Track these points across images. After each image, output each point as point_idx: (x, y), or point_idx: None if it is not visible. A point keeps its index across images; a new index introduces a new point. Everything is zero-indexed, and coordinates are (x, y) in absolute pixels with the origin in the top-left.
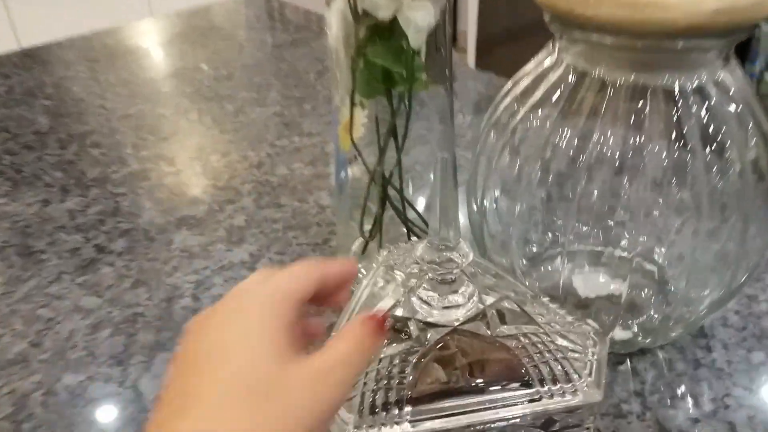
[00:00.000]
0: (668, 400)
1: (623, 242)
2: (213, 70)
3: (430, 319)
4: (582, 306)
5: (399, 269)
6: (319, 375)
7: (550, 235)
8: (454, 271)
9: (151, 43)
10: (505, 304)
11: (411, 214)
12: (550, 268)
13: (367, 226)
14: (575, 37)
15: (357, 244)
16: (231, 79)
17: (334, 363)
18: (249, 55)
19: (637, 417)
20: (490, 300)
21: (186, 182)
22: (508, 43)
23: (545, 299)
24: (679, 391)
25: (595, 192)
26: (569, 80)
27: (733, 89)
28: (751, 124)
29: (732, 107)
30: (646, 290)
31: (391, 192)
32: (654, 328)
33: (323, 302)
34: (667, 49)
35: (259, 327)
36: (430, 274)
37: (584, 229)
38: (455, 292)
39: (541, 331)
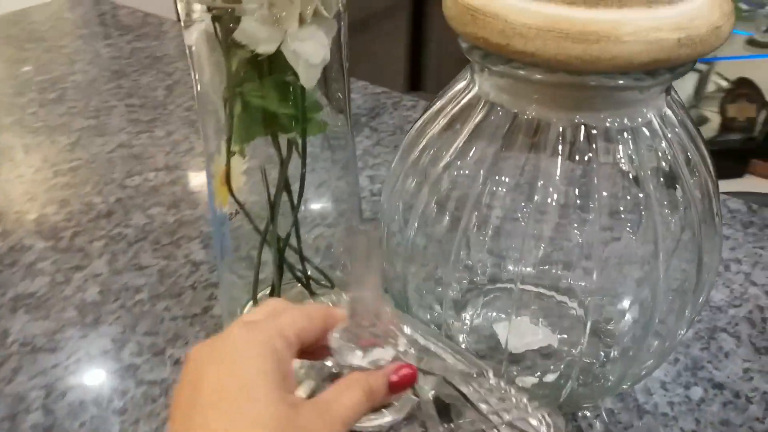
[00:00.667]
0: None
1: (563, 283)
2: (38, 93)
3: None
4: (514, 360)
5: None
6: (322, 427)
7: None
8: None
9: None
10: (445, 389)
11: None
12: (474, 315)
13: (262, 291)
14: (503, 72)
15: (248, 308)
16: (61, 102)
17: (336, 416)
18: (81, 71)
19: None
20: (427, 386)
21: (16, 247)
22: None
23: (491, 374)
24: None
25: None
26: (498, 121)
27: (677, 122)
28: (693, 154)
29: (678, 141)
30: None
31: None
32: (594, 387)
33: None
34: (615, 86)
35: (272, 365)
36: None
37: (528, 270)
38: None
39: (490, 426)
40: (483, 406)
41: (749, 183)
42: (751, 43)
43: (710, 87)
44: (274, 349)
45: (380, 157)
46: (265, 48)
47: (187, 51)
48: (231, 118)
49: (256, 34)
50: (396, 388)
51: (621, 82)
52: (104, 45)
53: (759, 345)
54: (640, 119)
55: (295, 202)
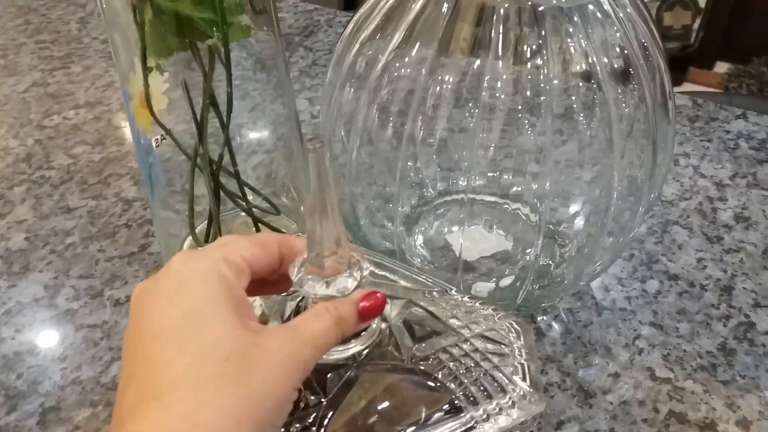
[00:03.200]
0: (582, 360)
1: (514, 190)
2: None
3: (323, 362)
4: (469, 268)
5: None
6: (291, 351)
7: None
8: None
9: None
10: (413, 311)
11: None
12: (427, 228)
13: (199, 223)
14: None
15: (187, 244)
16: None
17: (305, 340)
18: None
19: (558, 387)
20: (393, 313)
21: None
22: None
23: (453, 292)
24: (591, 346)
25: (488, 136)
26: (438, 12)
27: (630, 5)
28: (647, 38)
29: (630, 21)
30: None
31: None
32: (551, 287)
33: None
34: None
35: (221, 291)
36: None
37: (478, 182)
38: None
39: (462, 338)
40: (453, 322)
41: (688, 90)
42: None
43: None
44: (221, 275)
45: (318, 78)
46: None
47: None
48: (142, 28)
49: None
50: (366, 315)
51: None
52: None
53: (710, 234)
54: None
55: (225, 119)
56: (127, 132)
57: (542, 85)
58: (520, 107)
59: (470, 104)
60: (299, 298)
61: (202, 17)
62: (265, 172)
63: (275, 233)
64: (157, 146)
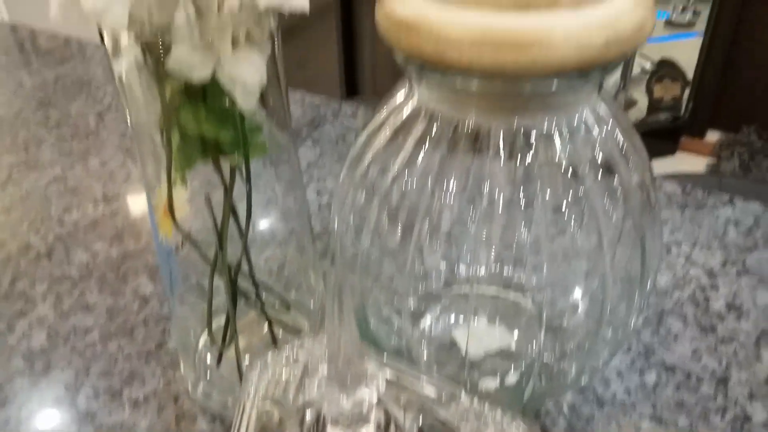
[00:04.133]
0: None
1: (516, 282)
2: None
3: None
4: (474, 365)
5: (283, 404)
6: None
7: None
8: (366, 410)
9: None
10: (426, 419)
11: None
12: (433, 323)
13: (216, 322)
14: (439, 81)
15: (202, 341)
16: None
17: None
18: (4, 104)
19: None
20: (408, 422)
21: None
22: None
23: (461, 394)
24: None
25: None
26: (440, 130)
27: (610, 116)
28: (627, 146)
29: (613, 135)
30: (542, 340)
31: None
32: (555, 384)
33: None
34: (548, 91)
35: None
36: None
37: (482, 274)
38: (366, 422)
39: None
40: (463, 425)
41: (681, 159)
42: (670, 24)
43: (636, 69)
44: None
45: (325, 168)
46: (200, 75)
47: (117, 81)
48: (169, 147)
49: (189, 62)
50: None
51: (555, 84)
52: (26, 74)
53: (704, 324)
54: (576, 117)
55: (243, 228)
56: (143, 226)
57: (536, 180)
58: (517, 202)
59: (471, 201)
60: (319, 408)
61: (225, 138)
62: (278, 264)
63: None
64: (177, 252)
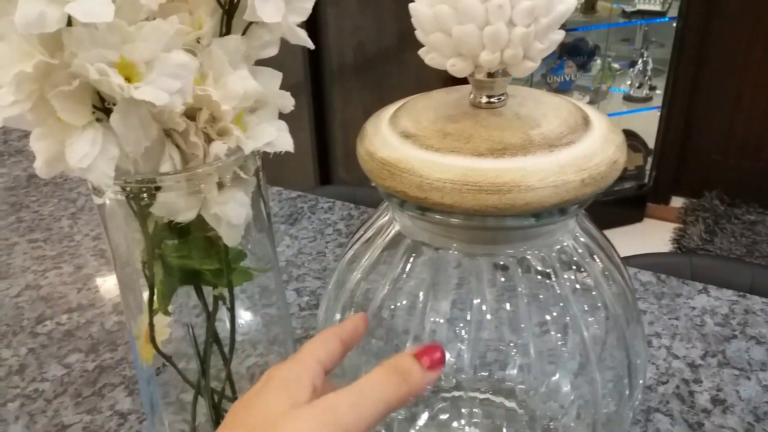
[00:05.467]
0: None
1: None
2: None
3: None
4: None
5: None
6: (314, 419)
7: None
8: None
9: None
10: None
11: None
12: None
13: None
14: (420, 215)
15: None
16: None
17: (336, 404)
18: None
19: None
20: None
21: None
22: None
23: None
24: None
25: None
26: (424, 256)
27: (588, 237)
28: (608, 264)
29: (591, 253)
30: None
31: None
32: None
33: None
34: (527, 225)
35: (301, 397)
36: None
37: (469, 377)
38: None
39: None
40: None
41: (648, 226)
42: (628, 98)
43: None
44: (306, 381)
45: (304, 266)
46: (185, 217)
47: (97, 210)
48: (151, 279)
49: (175, 206)
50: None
51: (534, 221)
52: None
53: (691, 421)
54: (555, 245)
55: (228, 355)
56: (119, 337)
57: (520, 299)
58: (501, 309)
59: (459, 314)
60: None
61: (209, 269)
62: (260, 371)
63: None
64: (158, 374)
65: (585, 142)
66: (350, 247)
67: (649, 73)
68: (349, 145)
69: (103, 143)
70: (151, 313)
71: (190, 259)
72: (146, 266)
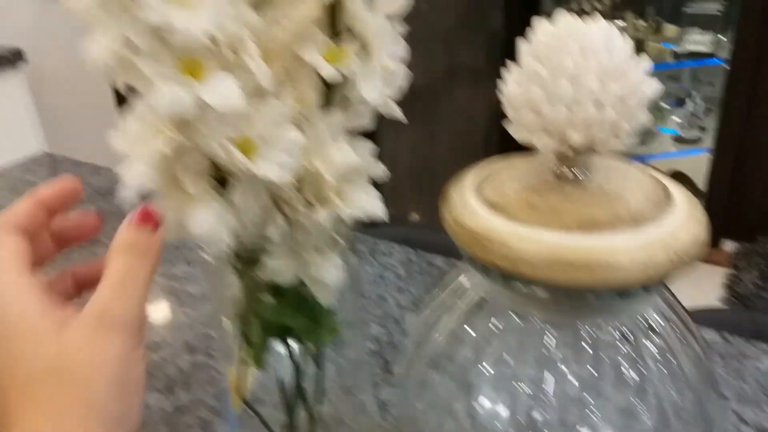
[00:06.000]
0: None
1: None
2: None
3: None
4: None
5: None
6: (95, 330)
7: None
8: None
9: None
10: None
11: None
12: None
13: None
14: (504, 283)
15: None
16: None
17: (104, 306)
18: None
19: None
20: None
21: None
22: None
23: None
24: None
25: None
26: (506, 324)
27: (668, 308)
28: (686, 335)
29: (671, 324)
30: None
31: None
32: None
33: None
34: (613, 301)
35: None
36: None
37: None
38: None
39: None
40: None
41: (699, 270)
42: (678, 140)
43: None
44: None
45: (363, 309)
46: (285, 278)
47: (200, 266)
48: (245, 334)
49: (278, 269)
50: (145, 220)
51: (618, 298)
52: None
53: None
54: (638, 317)
55: (312, 409)
56: (194, 375)
57: (599, 353)
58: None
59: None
60: None
61: (302, 327)
62: (334, 422)
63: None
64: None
65: (669, 219)
66: (425, 311)
67: (699, 113)
68: (396, 180)
69: (224, 214)
70: (242, 366)
71: (285, 315)
72: (241, 321)
